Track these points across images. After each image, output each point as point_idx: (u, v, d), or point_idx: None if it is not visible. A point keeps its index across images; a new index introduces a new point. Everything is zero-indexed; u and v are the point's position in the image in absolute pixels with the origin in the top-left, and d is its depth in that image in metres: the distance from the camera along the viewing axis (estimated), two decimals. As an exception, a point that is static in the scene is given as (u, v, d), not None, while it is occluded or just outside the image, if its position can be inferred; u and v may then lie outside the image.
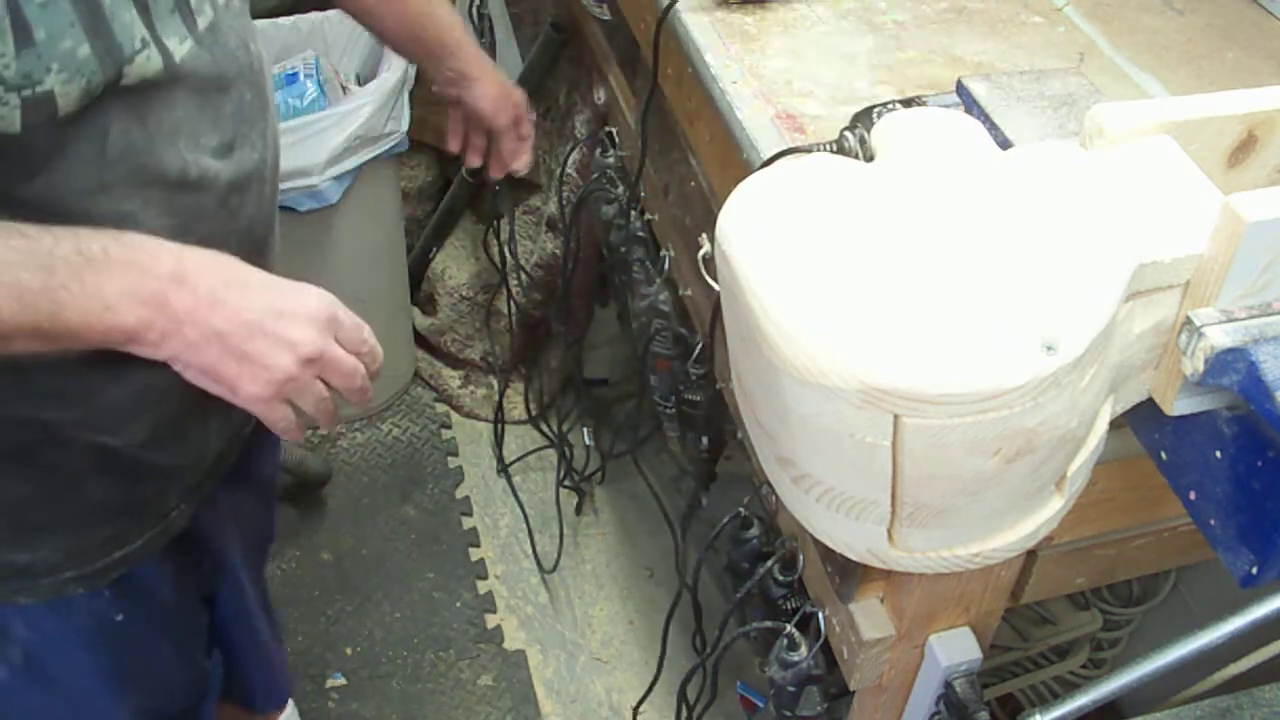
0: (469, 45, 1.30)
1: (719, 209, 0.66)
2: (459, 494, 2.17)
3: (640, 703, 1.66)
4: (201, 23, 0.86)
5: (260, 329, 0.79)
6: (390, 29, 1.27)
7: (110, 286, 0.75)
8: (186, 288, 0.77)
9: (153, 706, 1.18)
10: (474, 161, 1.43)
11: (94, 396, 0.90)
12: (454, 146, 1.42)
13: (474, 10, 1.86)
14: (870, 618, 0.94)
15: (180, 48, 0.84)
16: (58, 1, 0.73)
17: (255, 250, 0.99)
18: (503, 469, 2.20)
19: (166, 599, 1.12)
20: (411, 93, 1.92)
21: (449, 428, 2.30)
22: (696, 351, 1.30)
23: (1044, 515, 0.69)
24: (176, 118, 0.85)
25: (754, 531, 1.10)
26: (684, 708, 1.31)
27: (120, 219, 0.82)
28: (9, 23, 0.70)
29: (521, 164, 1.43)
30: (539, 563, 2.08)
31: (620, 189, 1.47)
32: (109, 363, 0.80)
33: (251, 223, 0.98)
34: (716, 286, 0.71)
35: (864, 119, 0.79)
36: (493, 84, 1.33)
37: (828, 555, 0.96)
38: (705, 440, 1.42)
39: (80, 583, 1.01)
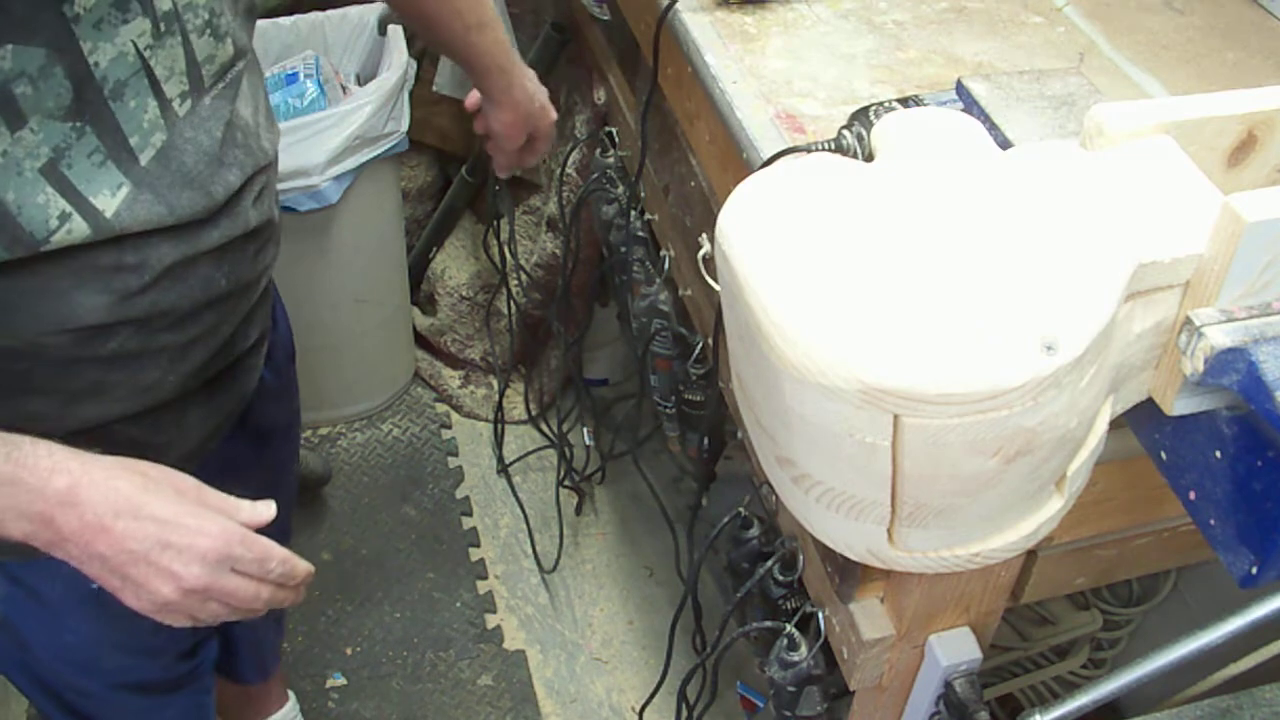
0: (499, 72, 1.30)
1: (719, 209, 0.66)
2: (459, 494, 2.17)
3: (644, 705, 1.66)
4: (145, 157, 0.82)
5: (144, 558, 0.78)
6: (440, 44, 1.31)
7: None
8: (75, 512, 0.76)
9: (137, 676, 1.17)
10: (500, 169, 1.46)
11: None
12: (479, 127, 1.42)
13: (474, 10, 1.86)
14: (870, 618, 0.94)
15: (112, 201, 0.80)
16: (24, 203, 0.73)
17: (233, 296, 0.96)
18: (503, 469, 2.20)
19: None
20: (411, 93, 1.92)
21: (449, 428, 2.30)
22: (696, 351, 1.30)
23: (1044, 515, 0.69)
24: (111, 259, 0.83)
25: (754, 531, 1.10)
26: (684, 708, 1.31)
27: (56, 297, 0.81)
28: None
29: (511, 171, 1.46)
30: (539, 563, 2.08)
31: (620, 189, 1.47)
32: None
33: (230, 278, 0.95)
34: (716, 286, 0.71)
35: (861, 118, 0.79)
36: (510, 111, 1.34)
37: (828, 555, 0.96)
38: (705, 440, 1.42)
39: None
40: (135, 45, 0.78)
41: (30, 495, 0.75)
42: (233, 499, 0.83)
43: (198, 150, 0.86)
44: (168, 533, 0.79)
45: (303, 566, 0.86)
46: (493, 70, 1.29)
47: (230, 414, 1.07)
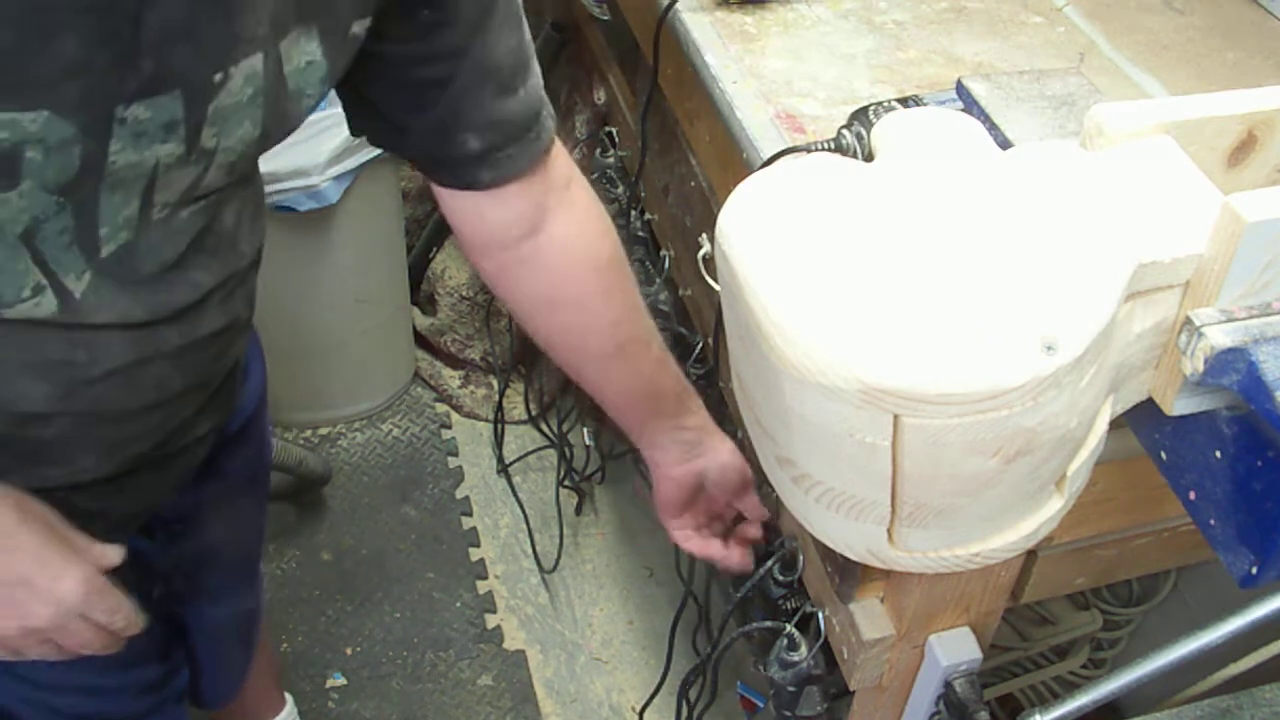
0: (701, 403, 1.06)
1: (719, 209, 0.66)
2: (459, 494, 2.17)
3: (645, 706, 1.66)
4: (106, 250, 0.78)
5: (1, 589, 0.78)
6: (621, 386, 1.03)
7: None
8: None
9: (95, 710, 1.13)
10: (732, 560, 1.09)
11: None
12: (674, 524, 1.10)
13: (474, 10, 1.86)
14: (870, 618, 0.94)
15: (79, 285, 0.77)
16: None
17: (188, 393, 0.92)
18: (503, 469, 2.20)
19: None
20: (411, 93, 1.92)
21: (449, 428, 2.30)
22: (696, 351, 1.30)
23: (1044, 515, 0.69)
24: (81, 347, 0.80)
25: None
26: (684, 708, 1.31)
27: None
28: None
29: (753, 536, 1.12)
30: (539, 563, 2.08)
31: (620, 189, 1.47)
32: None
33: (187, 378, 0.90)
34: (716, 286, 0.71)
35: (861, 118, 0.79)
36: (729, 449, 1.06)
37: (828, 555, 0.96)
38: (705, 440, 1.42)
39: None
40: (158, 160, 0.75)
41: None
42: (89, 541, 0.82)
43: (155, 259, 0.82)
44: (35, 571, 0.78)
45: (140, 622, 0.85)
46: (694, 403, 1.04)
47: (178, 483, 1.02)
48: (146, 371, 0.86)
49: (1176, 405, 0.64)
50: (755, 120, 0.94)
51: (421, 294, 2.39)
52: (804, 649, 1.00)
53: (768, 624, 1.04)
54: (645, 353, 1.01)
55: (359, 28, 0.80)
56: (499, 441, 2.23)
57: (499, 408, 2.21)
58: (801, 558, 1.03)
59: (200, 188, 0.81)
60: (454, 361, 2.36)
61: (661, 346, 1.02)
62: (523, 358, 2.28)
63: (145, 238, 0.80)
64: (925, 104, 0.82)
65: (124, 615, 0.83)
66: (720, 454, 1.04)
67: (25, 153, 0.68)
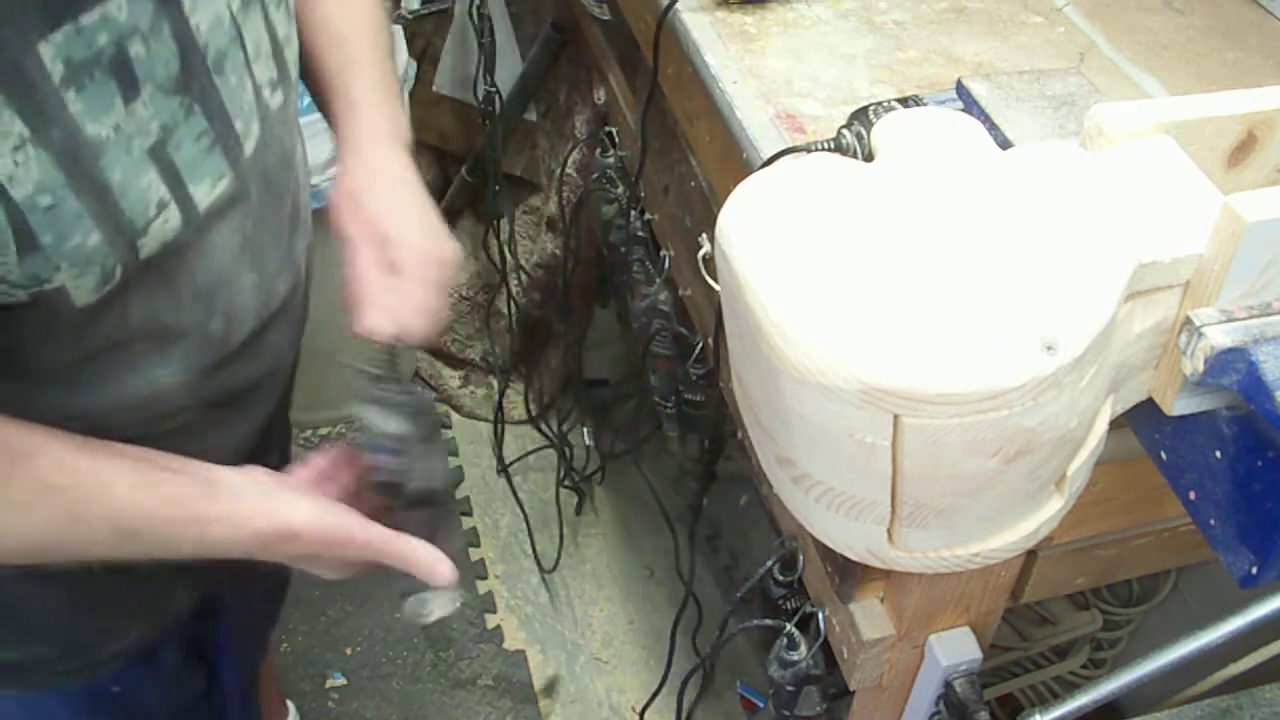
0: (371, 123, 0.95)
1: (719, 209, 0.66)
2: (459, 494, 2.17)
3: (646, 706, 1.66)
4: (249, 146, 0.77)
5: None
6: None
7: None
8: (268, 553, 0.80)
9: None
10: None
11: None
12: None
13: (474, 10, 1.86)
14: (870, 618, 0.94)
15: (211, 193, 0.75)
16: (64, 200, 0.65)
17: (266, 382, 0.94)
18: (503, 469, 2.20)
19: (170, 663, 1.08)
20: (411, 93, 1.92)
21: (449, 428, 2.30)
22: (696, 351, 1.30)
23: (1044, 515, 0.69)
24: (202, 276, 0.79)
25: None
26: (684, 708, 1.31)
27: (129, 365, 0.78)
28: (10, 234, 0.64)
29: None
30: (539, 563, 2.08)
31: (620, 189, 1.47)
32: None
33: (277, 357, 0.93)
34: (716, 286, 0.71)
35: (861, 118, 0.79)
36: (348, 176, 0.91)
37: (828, 555, 0.96)
38: (705, 440, 1.42)
39: (73, 676, 0.97)
40: (229, 8, 0.72)
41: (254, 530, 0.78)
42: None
43: (281, 154, 0.80)
44: (311, 564, 0.84)
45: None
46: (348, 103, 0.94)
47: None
48: (265, 343, 0.87)
49: (1176, 405, 0.64)
50: (755, 120, 0.94)
51: (421, 294, 2.39)
52: (804, 649, 1.00)
53: (768, 624, 1.04)
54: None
55: None
56: (499, 441, 2.23)
57: (499, 408, 2.21)
58: (801, 558, 1.03)
59: (283, 50, 0.80)
60: (454, 361, 2.36)
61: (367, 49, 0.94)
62: (523, 358, 2.28)
63: (270, 130, 0.79)
64: (925, 104, 0.82)
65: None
66: (343, 180, 0.90)
67: (130, 49, 0.66)
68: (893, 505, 0.64)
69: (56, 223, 0.65)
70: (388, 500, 0.87)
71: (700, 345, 1.29)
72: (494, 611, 2.00)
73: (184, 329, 0.79)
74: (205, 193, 0.75)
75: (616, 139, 1.53)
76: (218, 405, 0.87)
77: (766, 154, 0.90)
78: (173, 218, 0.73)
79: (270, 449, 1.08)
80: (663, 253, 1.36)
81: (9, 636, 0.93)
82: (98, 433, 0.76)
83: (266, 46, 0.78)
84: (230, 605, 1.18)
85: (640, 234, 1.43)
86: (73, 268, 0.68)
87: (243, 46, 0.75)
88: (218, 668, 1.23)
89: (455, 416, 2.33)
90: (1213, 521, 0.64)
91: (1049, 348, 0.56)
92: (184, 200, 0.74)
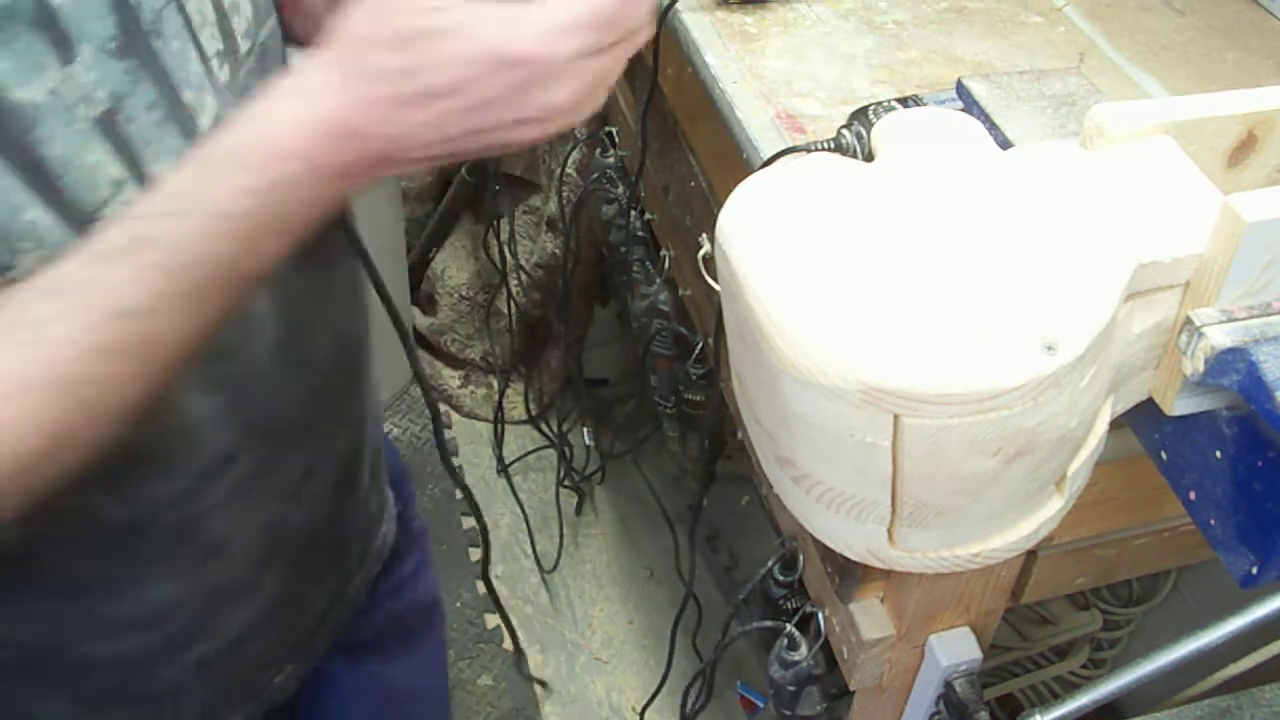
0: None
1: (719, 209, 0.66)
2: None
3: (646, 706, 1.66)
4: (204, 121, 0.67)
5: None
6: None
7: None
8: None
9: None
10: None
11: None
12: None
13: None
14: (870, 618, 0.94)
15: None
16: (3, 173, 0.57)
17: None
18: (503, 469, 2.20)
19: None
20: (411, 93, 1.92)
21: (449, 428, 2.30)
22: (696, 351, 1.30)
23: (1044, 515, 0.69)
24: None
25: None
26: (684, 708, 1.31)
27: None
28: None
29: None
30: (539, 563, 2.08)
31: (620, 189, 1.47)
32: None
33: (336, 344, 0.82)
34: (716, 286, 0.71)
35: (861, 118, 0.79)
36: None
37: (828, 555, 0.96)
38: (705, 440, 1.42)
39: None
40: None
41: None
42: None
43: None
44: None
45: None
46: None
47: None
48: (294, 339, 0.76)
49: (1177, 405, 0.64)
50: (755, 120, 0.94)
51: (421, 294, 2.39)
52: (804, 649, 1.00)
53: (768, 624, 1.04)
54: None
55: None
56: (499, 441, 2.23)
57: (499, 408, 2.21)
58: (801, 558, 1.03)
59: (228, 17, 0.69)
60: (454, 361, 2.36)
61: None
62: (523, 358, 2.28)
63: (227, 106, 0.68)
64: (925, 104, 0.82)
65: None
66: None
67: (52, 0, 0.57)
68: (893, 505, 0.64)
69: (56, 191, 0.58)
70: None
71: (700, 345, 1.29)
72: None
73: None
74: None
75: (616, 139, 1.52)
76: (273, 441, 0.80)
77: (766, 154, 0.90)
78: (134, 199, 0.62)
79: None
80: (663, 253, 1.36)
81: None
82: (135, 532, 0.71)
83: (211, 15, 0.69)
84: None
85: (640, 234, 1.43)
86: (37, 249, 0.59)
87: (181, 9, 0.66)
88: None
89: (455, 416, 2.33)
90: (1213, 521, 0.64)
91: (1049, 348, 0.56)
92: (144, 180, 0.64)
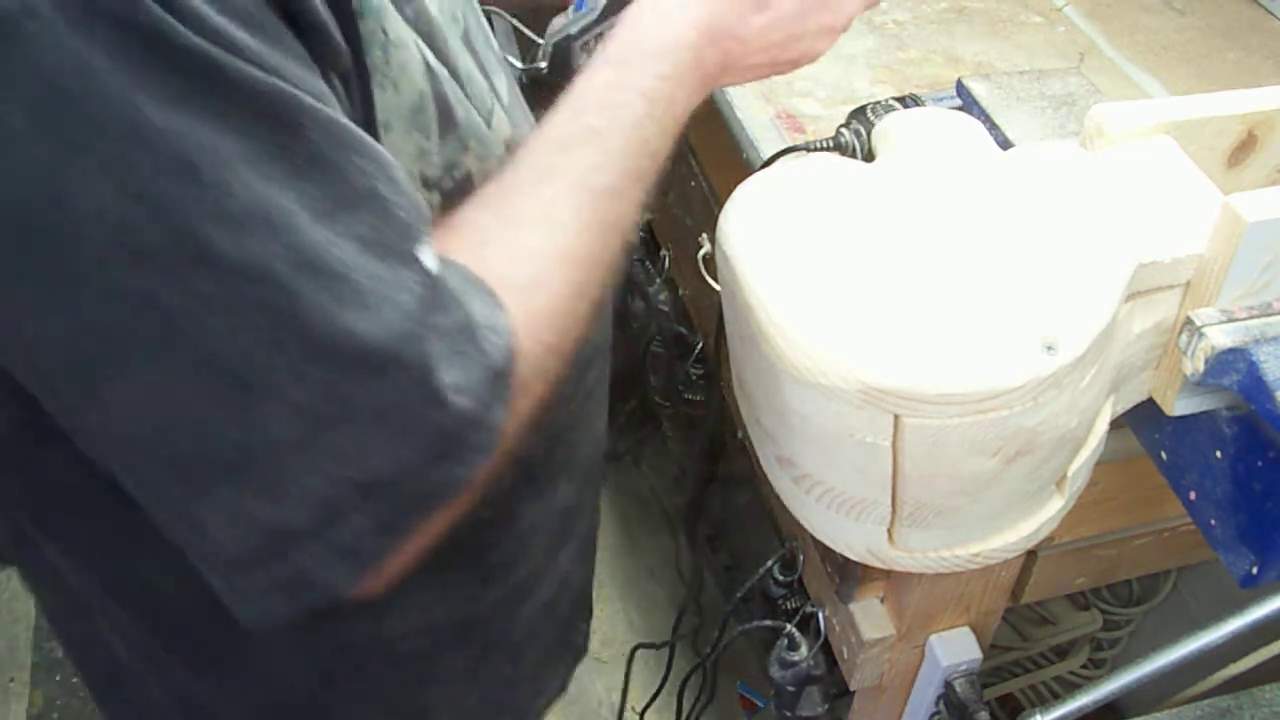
0: None
1: (719, 209, 0.66)
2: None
3: (646, 706, 1.66)
4: (501, 101, 0.68)
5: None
6: None
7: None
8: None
9: None
10: None
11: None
12: None
13: (474, 10, 1.86)
14: (870, 618, 0.94)
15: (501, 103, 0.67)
16: (474, 77, 0.61)
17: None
18: (503, 469, 2.20)
19: None
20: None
21: (449, 428, 2.30)
22: (696, 351, 1.30)
23: (1044, 515, 0.69)
24: None
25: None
26: (684, 708, 1.31)
27: None
28: (435, 110, 0.58)
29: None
30: (539, 563, 2.08)
31: (620, 189, 1.47)
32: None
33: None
34: (716, 286, 0.71)
35: (861, 118, 0.79)
36: None
37: (828, 555, 0.96)
38: (705, 440, 1.42)
39: None
40: None
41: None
42: None
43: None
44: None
45: None
46: None
47: None
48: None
49: (1177, 405, 0.64)
50: (755, 120, 0.94)
51: (421, 294, 2.39)
52: (804, 649, 1.00)
53: (768, 624, 1.04)
54: None
55: None
56: (499, 441, 2.23)
57: (499, 408, 2.21)
58: (801, 558, 1.03)
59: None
60: (454, 361, 2.36)
61: None
62: (523, 358, 2.28)
63: (504, 106, 0.69)
64: (925, 104, 0.82)
65: None
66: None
67: (450, 95, 0.60)
68: (893, 505, 0.64)
69: (470, 99, 0.61)
70: None
71: (700, 345, 1.29)
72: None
73: None
74: (501, 118, 0.66)
75: (616, 139, 1.52)
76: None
77: (766, 154, 0.90)
78: (502, 121, 0.65)
79: None
80: (663, 252, 1.36)
81: None
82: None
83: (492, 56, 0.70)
84: None
85: (640, 234, 1.43)
86: (475, 149, 0.61)
87: (476, 27, 0.68)
88: None
89: (455, 416, 2.33)
90: (1213, 521, 0.64)
91: (1049, 348, 0.56)
92: (498, 91, 0.66)
